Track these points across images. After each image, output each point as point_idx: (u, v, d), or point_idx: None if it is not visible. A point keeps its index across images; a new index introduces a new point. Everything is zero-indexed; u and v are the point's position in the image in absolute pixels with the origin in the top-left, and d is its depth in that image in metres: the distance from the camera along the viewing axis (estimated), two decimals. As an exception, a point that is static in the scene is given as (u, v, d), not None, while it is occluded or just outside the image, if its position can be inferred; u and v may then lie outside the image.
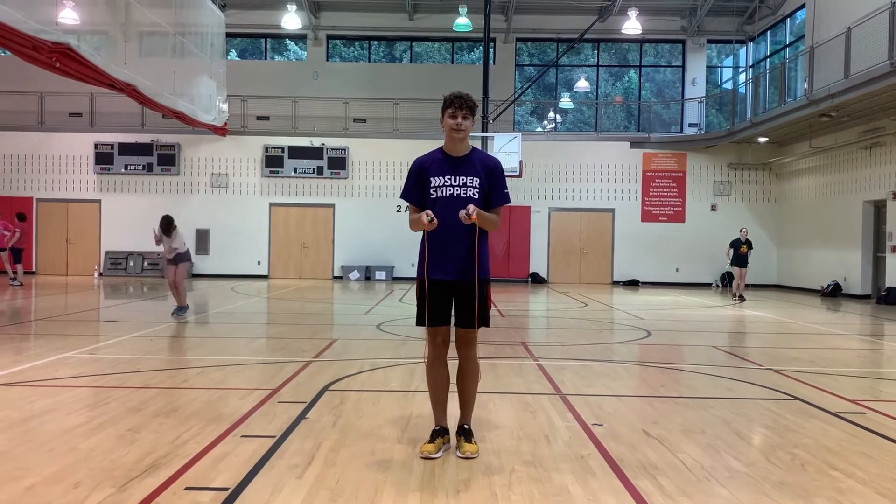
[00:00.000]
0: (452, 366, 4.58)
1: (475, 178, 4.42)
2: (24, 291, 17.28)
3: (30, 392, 6.05)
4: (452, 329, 4.53)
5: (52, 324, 11.39)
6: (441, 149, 4.55)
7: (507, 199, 4.53)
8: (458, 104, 4.40)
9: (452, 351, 4.55)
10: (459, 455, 4.37)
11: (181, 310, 11.80)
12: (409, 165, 4.62)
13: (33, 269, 23.50)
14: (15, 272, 18.81)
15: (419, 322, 4.49)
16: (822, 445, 4.77)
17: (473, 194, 4.40)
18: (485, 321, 4.49)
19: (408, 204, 4.58)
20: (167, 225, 11.57)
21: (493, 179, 4.47)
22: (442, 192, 4.40)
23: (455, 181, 4.40)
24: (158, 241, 11.70)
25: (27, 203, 23.54)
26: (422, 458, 4.32)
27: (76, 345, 8.68)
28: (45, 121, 24.09)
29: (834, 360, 8.82)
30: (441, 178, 4.42)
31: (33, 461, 4.19)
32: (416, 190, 4.51)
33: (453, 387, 4.60)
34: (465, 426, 4.52)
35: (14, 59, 13.97)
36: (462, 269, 4.40)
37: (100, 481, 3.83)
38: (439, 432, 4.48)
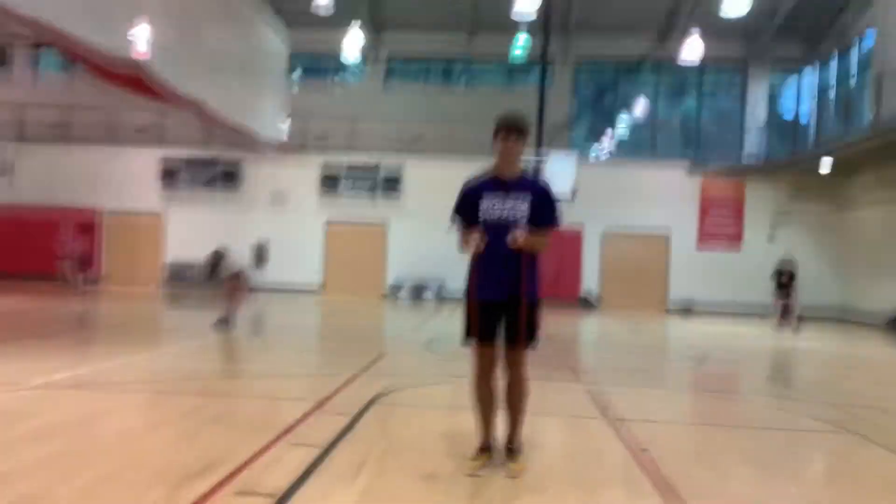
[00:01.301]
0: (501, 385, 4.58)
1: (524, 201, 4.43)
2: (90, 299, 17.88)
3: (91, 394, 6.27)
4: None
5: (114, 330, 11.76)
6: (492, 170, 4.59)
7: (556, 221, 4.54)
8: (509, 127, 4.43)
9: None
10: (506, 474, 4.37)
11: (225, 322, 11.84)
12: (459, 191, 4.67)
13: (99, 279, 24.29)
14: (81, 281, 19.50)
15: (464, 341, 4.52)
16: (880, 479, 4.61)
17: (522, 217, 4.41)
18: (533, 341, 4.49)
19: (457, 224, 4.64)
20: (219, 258, 11.62)
21: (542, 201, 4.48)
22: (491, 214, 4.43)
23: (504, 203, 4.43)
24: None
25: (95, 215, 24.41)
26: (467, 474, 4.33)
27: (137, 351, 8.94)
28: (114, 135, 25.02)
29: (897, 396, 8.50)
30: (490, 200, 4.45)
31: (93, 460, 4.34)
32: (465, 210, 4.56)
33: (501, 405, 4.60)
34: (512, 445, 4.52)
35: (88, 75, 14.59)
36: (511, 289, 4.42)
37: (154, 482, 3.95)
38: (485, 449, 4.49)
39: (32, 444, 4.60)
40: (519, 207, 4.41)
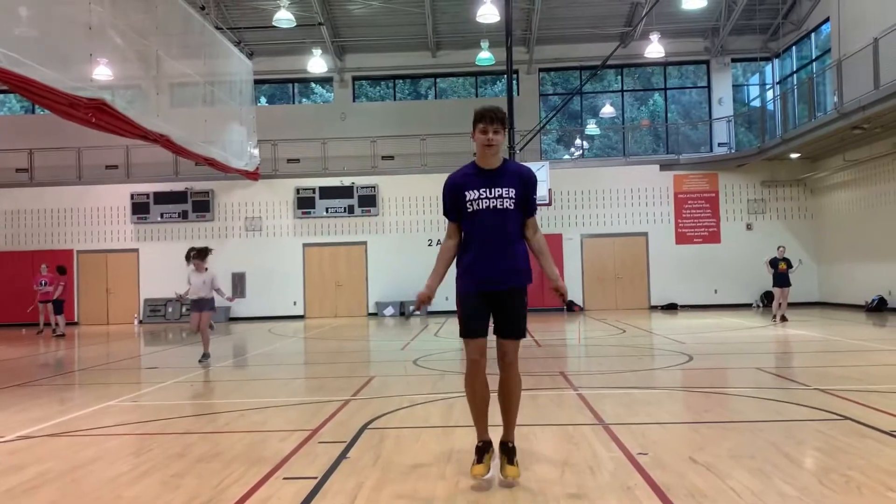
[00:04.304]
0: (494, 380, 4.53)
1: (510, 189, 4.45)
2: (67, 342, 17.60)
3: (75, 441, 6.12)
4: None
5: (94, 373, 11.55)
6: (474, 163, 4.58)
7: (536, 207, 4.63)
8: (488, 118, 4.43)
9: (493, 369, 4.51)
10: (502, 478, 4.36)
11: (205, 357, 11.81)
12: (442, 188, 4.63)
13: (75, 320, 23.94)
14: (57, 324, 19.20)
15: (461, 334, 4.53)
16: (877, 466, 4.62)
17: (510, 205, 4.44)
18: (522, 332, 4.51)
19: (449, 220, 4.61)
20: (204, 253, 11.62)
21: (527, 187, 4.53)
22: (478, 204, 4.44)
23: (490, 193, 4.44)
24: (185, 294, 11.74)
25: (68, 255, 24.09)
26: (475, 480, 4.34)
27: (119, 393, 8.78)
28: (83, 175, 24.76)
29: (884, 377, 8.57)
30: (476, 191, 4.45)
31: (80, 511, 4.21)
32: (453, 205, 4.55)
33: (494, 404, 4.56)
34: (509, 444, 4.49)
35: (52, 116, 14.42)
36: (500, 280, 4.44)
37: (145, 529, 3.84)
38: (484, 448, 4.47)
39: (20, 497, 4.47)
40: (506, 195, 4.43)
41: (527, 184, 4.52)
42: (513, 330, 4.46)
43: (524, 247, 4.56)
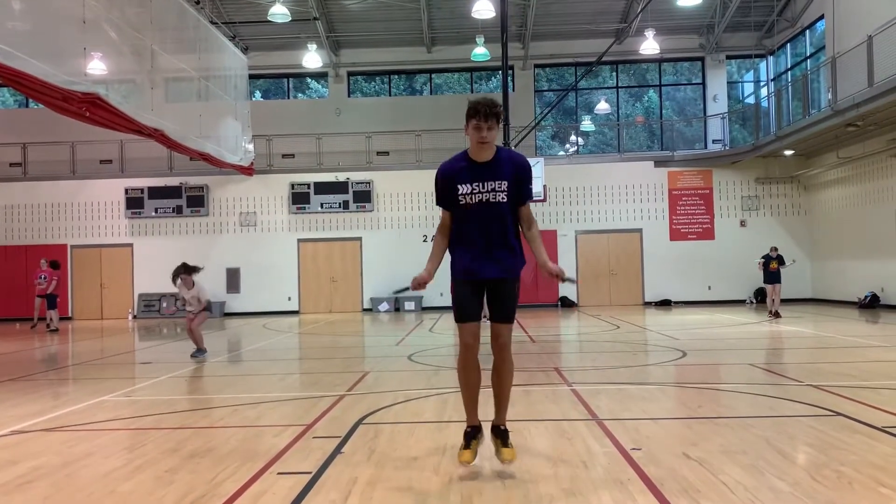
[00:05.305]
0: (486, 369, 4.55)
1: (503, 182, 4.45)
2: (61, 337, 17.55)
3: (69, 436, 6.12)
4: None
5: (88, 368, 11.54)
6: (466, 154, 4.55)
7: (531, 195, 4.62)
8: (482, 114, 4.40)
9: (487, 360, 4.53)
10: (500, 460, 4.46)
11: (200, 352, 11.81)
12: (435, 177, 4.63)
13: (69, 315, 23.88)
14: (51, 318, 19.16)
15: (456, 318, 4.60)
16: (868, 462, 4.65)
17: (503, 198, 4.44)
18: (512, 315, 4.59)
19: (442, 210, 4.64)
20: (188, 270, 11.55)
21: (520, 177, 4.51)
22: (471, 199, 4.45)
23: (483, 187, 4.45)
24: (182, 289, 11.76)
25: (62, 250, 24.02)
26: (463, 465, 4.42)
27: (113, 388, 8.78)
28: (76, 169, 24.67)
29: (876, 374, 8.61)
30: (469, 185, 4.45)
31: (74, 506, 4.22)
32: (445, 197, 4.57)
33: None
34: (502, 427, 4.53)
35: (46, 110, 14.37)
36: (493, 270, 4.48)
37: (140, 524, 3.84)
38: (473, 434, 4.52)
39: (13, 492, 4.47)
40: (499, 188, 4.44)
41: (520, 172, 4.51)
42: (506, 314, 4.52)
43: (517, 236, 4.58)
